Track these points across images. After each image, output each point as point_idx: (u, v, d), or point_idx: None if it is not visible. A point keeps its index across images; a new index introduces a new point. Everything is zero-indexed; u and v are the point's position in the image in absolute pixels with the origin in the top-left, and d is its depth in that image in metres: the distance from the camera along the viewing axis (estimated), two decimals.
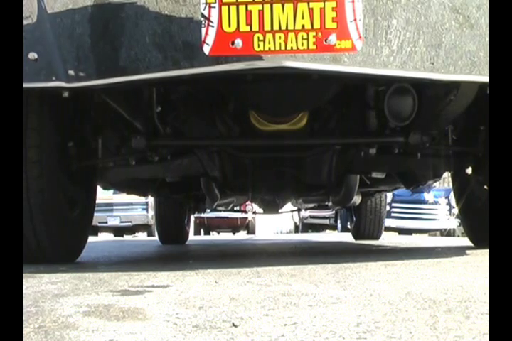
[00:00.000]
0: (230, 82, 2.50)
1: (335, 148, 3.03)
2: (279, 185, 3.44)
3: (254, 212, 8.21)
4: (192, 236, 11.11)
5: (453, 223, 12.68)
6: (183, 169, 3.04)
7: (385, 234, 11.00)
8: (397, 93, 2.55)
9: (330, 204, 4.24)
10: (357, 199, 4.42)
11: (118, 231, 15.97)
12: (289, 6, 1.98)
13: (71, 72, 2.11)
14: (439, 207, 12.64)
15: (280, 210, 5.85)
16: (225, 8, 1.99)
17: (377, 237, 6.17)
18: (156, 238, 6.71)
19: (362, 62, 2.03)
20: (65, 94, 2.25)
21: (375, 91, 2.69)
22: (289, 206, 6.11)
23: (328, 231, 16.81)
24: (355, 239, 6.30)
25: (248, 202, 8.27)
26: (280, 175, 3.33)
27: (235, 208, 17.82)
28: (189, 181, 3.57)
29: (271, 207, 5.25)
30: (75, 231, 2.90)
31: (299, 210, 7.82)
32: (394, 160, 3.05)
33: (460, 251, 3.39)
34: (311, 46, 2.00)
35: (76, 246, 2.97)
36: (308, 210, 16.95)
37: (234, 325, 1.17)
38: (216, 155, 3.03)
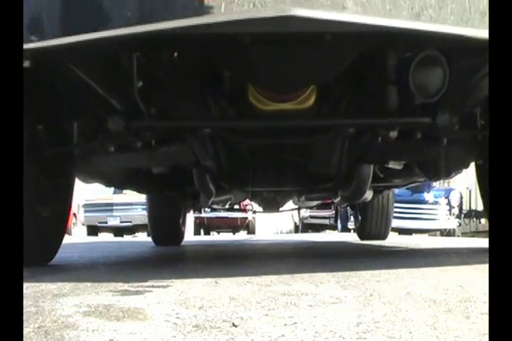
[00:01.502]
0: (223, 48, 2.05)
1: (347, 132, 2.51)
2: (282, 176, 3.05)
3: (254, 211, 7.59)
4: (191, 237, 11.10)
5: (453, 223, 12.68)
6: (170, 157, 2.62)
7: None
8: (425, 62, 2.10)
9: (337, 200, 3.73)
10: (368, 195, 3.86)
11: (118, 231, 15.97)
12: None
13: (25, 31, 1.72)
14: (439, 207, 12.63)
15: (281, 209, 5.51)
16: None
17: (383, 237, 5.79)
18: None
19: (389, 12, 1.69)
20: (26, 64, 1.83)
21: (398, 61, 2.19)
22: (289, 205, 5.86)
23: (328, 231, 16.80)
24: (361, 238, 5.99)
25: (248, 202, 7.97)
26: (283, 165, 2.92)
27: (235, 207, 17.89)
28: (180, 174, 3.22)
29: (271, 205, 4.93)
30: (47, 231, 2.60)
31: (299, 209, 7.29)
32: (416, 146, 2.56)
33: (462, 251, 3.39)
34: None
35: (49, 249, 2.71)
36: (309, 210, 16.97)
37: (234, 325, 1.17)
38: (209, 141, 2.57)
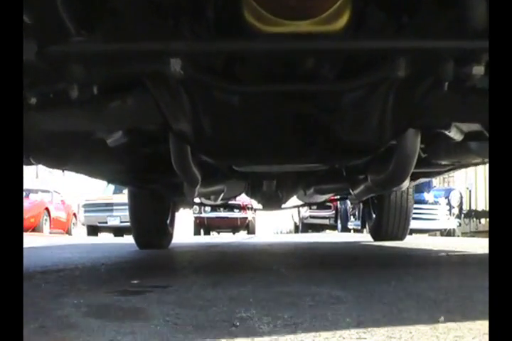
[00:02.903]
0: None
1: (395, 77, 1.65)
2: (295, 146, 2.02)
3: (253, 209, 6.33)
4: (190, 237, 11.09)
5: (453, 223, 12.68)
6: (124, 116, 1.87)
7: None
8: None
9: (358, 191, 2.92)
10: (406, 183, 2.66)
11: (118, 231, 15.95)
12: None
13: None
14: (439, 207, 12.63)
15: (283, 206, 4.69)
16: None
17: (401, 238, 5.07)
18: None
19: None
20: None
21: None
22: (291, 202, 5.04)
23: (328, 231, 16.80)
24: (375, 239, 5.25)
25: (247, 201, 7.40)
26: (296, 127, 1.95)
27: (235, 209, 17.83)
28: (158, 155, 2.46)
29: (272, 201, 4.20)
30: None
31: (305, 205, 6.20)
32: None
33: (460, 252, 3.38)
34: None
35: None
36: (309, 210, 16.98)
37: (234, 325, 1.17)
38: (182, 88, 1.75)
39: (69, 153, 2.30)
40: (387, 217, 4.95)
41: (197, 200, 4.81)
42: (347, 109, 1.89)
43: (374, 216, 5.22)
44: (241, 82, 1.83)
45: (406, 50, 1.64)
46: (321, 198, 4.76)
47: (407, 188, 4.57)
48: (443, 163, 2.68)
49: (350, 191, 3.06)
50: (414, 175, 2.90)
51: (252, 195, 4.35)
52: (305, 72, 1.78)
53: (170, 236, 4.83)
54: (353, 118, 1.92)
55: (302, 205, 5.93)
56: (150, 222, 4.48)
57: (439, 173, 3.40)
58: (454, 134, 2.10)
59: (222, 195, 3.29)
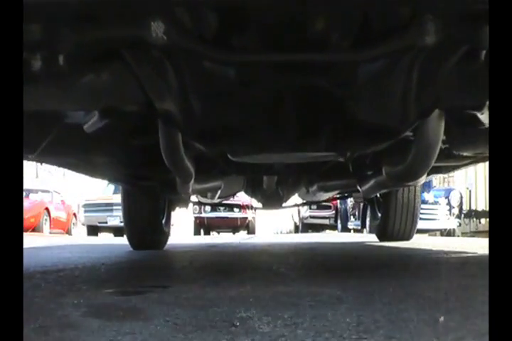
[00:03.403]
0: None
1: (422, 44, 1.39)
2: (305, 129, 1.74)
3: (254, 208, 6.01)
4: (188, 237, 11.09)
5: (453, 223, 12.68)
6: (99, 93, 1.59)
7: None
8: None
9: (367, 187, 2.64)
10: (424, 176, 2.26)
11: (118, 231, 15.94)
12: None
13: None
14: (439, 207, 12.63)
15: (284, 204, 4.56)
16: None
17: (408, 238, 4.87)
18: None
19: None
20: None
21: None
22: (289, 202, 4.87)
23: (328, 231, 16.81)
24: (380, 239, 5.02)
25: (247, 200, 7.19)
26: (306, 106, 1.66)
27: (235, 209, 17.81)
28: (149, 149, 2.12)
29: (273, 200, 4.07)
30: None
31: (305, 204, 5.85)
32: None
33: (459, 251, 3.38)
34: None
35: None
36: (309, 210, 16.98)
37: (234, 325, 1.17)
38: (167, 59, 1.49)
39: (34, 139, 1.96)
40: (394, 216, 4.70)
41: (194, 199, 4.70)
42: (364, 84, 1.57)
43: (379, 215, 4.99)
44: (237, 51, 1.50)
45: (438, 10, 1.33)
46: (324, 196, 4.45)
47: (415, 186, 4.36)
48: (465, 154, 2.30)
49: (358, 188, 2.81)
50: (431, 169, 2.21)
51: (251, 192, 4.16)
52: (314, 39, 1.47)
53: (165, 236, 4.62)
54: (371, 94, 1.61)
55: (304, 204, 5.65)
56: (144, 222, 4.25)
57: (456, 167, 2.98)
58: (485, 117, 1.71)
59: (219, 192, 3.07)
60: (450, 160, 2.51)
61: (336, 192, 4.08)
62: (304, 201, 5.20)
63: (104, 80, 1.56)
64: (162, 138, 1.79)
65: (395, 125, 1.66)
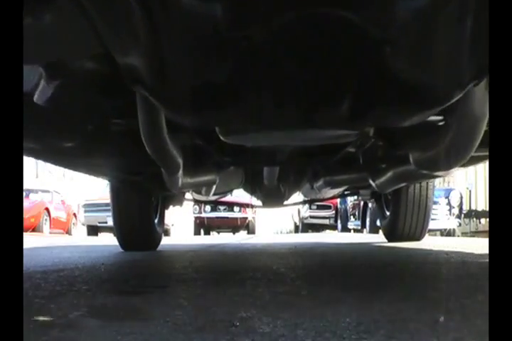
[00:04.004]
0: None
1: None
2: (318, 81, 1.29)
3: (253, 206, 5.46)
4: (187, 238, 11.09)
5: (453, 223, 12.68)
6: (39, 41, 1.21)
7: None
8: None
9: (386, 180, 2.32)
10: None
11: None
12: None
13: None
14: (439, 207, 12.62)
15: (285, 202, 4.28)
16: None
17: (418, 238, 4.54)
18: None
19: None
20: None
21: None
22: (291, 200, 4.59)
23: (328, 231, 16.81)
24: (389, 239, 4.70)
25: (247, 200, 6.76)
26: (319, 49, 1.21)
27: (235, 209, 17.78)
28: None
29: (274, 197, 3.81)
30: None
31: (308, 201, 5.45)
32: None
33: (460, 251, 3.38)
34: None
35: None
36: (309, 210, 16.99)
37: (234, 325, 1.17)
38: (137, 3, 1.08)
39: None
40: (404, 215, 4.33)
41: (189, 196, 4.43)
42: (405, 25, 1.14)
43: (388, 213, 4.60)
44: None
45: None
46: (329, 193, 4.01)
47: (428, 182, 4.10)
48: None
49: (371, 182, 2.51)
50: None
51: (250, 189, 3.91)
52: None
53: (158, 236, 4.35)
54: (414, 40, 1.18)
55: (307, 202, 5.21)
56: (134, 220, 3.96)
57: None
58: None
59: (214, 188, 2.80)
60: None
61: (343, 188, 3.69)
62: (307, 199, 4.75)
63: (47, 24, 1.16)
64: (140, 115, 1.48)
65: (444, 87, 1.27)
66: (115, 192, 3.90)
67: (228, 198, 4.90)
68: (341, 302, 1.42)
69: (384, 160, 2.37)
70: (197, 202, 4.93)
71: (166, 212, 4.53)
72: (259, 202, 4.43)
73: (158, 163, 1.83)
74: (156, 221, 4.22)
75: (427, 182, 4.13)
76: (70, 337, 1.09)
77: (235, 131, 1.67)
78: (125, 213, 3.95)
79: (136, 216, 3.95)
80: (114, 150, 2.21)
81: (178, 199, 4.27)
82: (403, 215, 4.34)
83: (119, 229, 4.08)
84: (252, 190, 3.97)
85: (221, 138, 1.70)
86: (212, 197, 3.84)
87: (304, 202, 5.38)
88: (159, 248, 4.26)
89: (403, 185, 2.98)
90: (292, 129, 1.59)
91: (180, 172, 1.99)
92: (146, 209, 3.98)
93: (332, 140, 1.83)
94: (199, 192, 3.17)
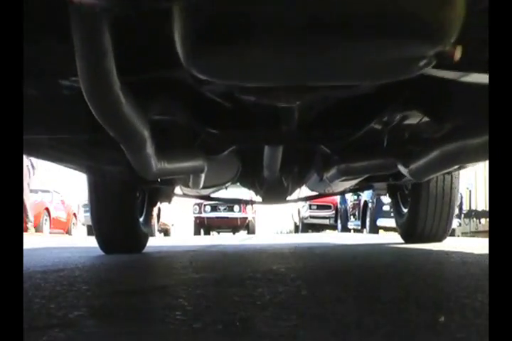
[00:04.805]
0: None
1: None
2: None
3: (252, 202, 4.85)
4: (186, 238, 11.07)
5: (453, 223, 12.70)
6: None
7: (383, 234, 11.02)
8: None
9: (422, 165, 1.89)
10: None
11: None
12: None
13: None
14: None
15: (289, 198, 3.80)
16: None
17: (441, 239, 4.07)
18: (157, 239, 6.55)
19: None
20: None
21: None
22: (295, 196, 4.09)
23: (328, 231, 16.82)
24: (406, 240, 4.25)
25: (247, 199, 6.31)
26: None
27: (235, 209, 17.74)
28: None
29: (275, 192, 3.39)
30: None
31: (315, 197, 4.45)
32: None
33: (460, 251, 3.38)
34: None
35: None
36: (309, 210, 17.00)
37: (234, 324, 1.17)
38: None
39: None
40: (426, 211, 3.82)
41: (178, 192, 3.92)
42: None
43: (405, 210, 4.12)
44: None
45: None
46: (341, 186, 3.37)
47: (452, 175, 3.69)
48: None
49: (401, 169, 2.08)
50: None
51: (247, 182, 3.46)
52: None
53: (144, 237, 3.89)
54: None
55: (313, 197, 4.48)
56: (116, 219, 3.51)
57: None
58: None
59: (202, 177, 2.35)
60: None
61: (358, 180, 3.12)
62: (316, 193, 4.10)
63: None
64: (78, 57, 1.10)
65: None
66: (92, 186, 3.42)
67: (225, 194, 4.22)
68: (341, 302, 1.42)
69: (417, 139, 1.93)
70: (186, 195, 4.19)
71: (161, 210, 4.20)
72: (258, 199, 3.92)
73: (109, 131, 1.40)
74: (141, 219, 3.78)
75: (451, 175, 3.66)
76: (70, 337, 1.09)
77: (210, 67, 1.19)
78: (104, 210, 3.50)
79: (118, 214, 3.50)
80: (77, 128, 1.78)
81: (166, 195, 3.79)
82: (424, 212, 3.83)
83: (98, 230, 3.62)
84: (249, 184, 3.51)
85: (201, 74, 1.22)
86: (203, 192, 3.26)
87: (309, 198, 4.71)
88: (157, 249, 4.24)
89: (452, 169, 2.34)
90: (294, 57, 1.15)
91: (151, 151, 1.61)
92: (129, 205, 3.52)
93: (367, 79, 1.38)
94: (187, 185, 2.68)
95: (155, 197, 3.89)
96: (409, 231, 4.09)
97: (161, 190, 3.61)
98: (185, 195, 4.10)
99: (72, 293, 1.69)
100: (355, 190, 4.22)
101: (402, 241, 4.35)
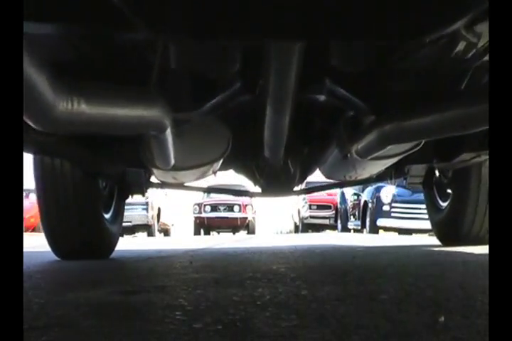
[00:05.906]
0: None
1: None
2: None
3: (252, 194, 3.63)
4: (186, 238, 11.04)
5: None
6: None
7: (383, 234, 11.02)
8: None
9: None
10: None
11: None
12: None
13: None
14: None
15: (295, 189, 2.95)
16: None
17: (487, 241, 3.10)
18: (156, 238, 6.49)
19: None
20: None
21: None
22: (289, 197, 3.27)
23: (328, 231, 16.81)
24: (444, 242, 3.51)
25: (247, 199, 5.70)
26: None
27: (235, 209, 17.73)
28: None
29: (279, 181, 2.57)
30: None
31: (331, 186, 3.52)
32: None
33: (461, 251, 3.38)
34: None
35: None
36: (309, 210, 17.01)
37: (234, 324, 1.17)
38: None
39: None
40: (474, 207, 3.03)
41: (154, 180, 3.01)
42: None
43: (444, 205, 3.31)
44: None
45: None
46: (370, 170, 2.37)
47: None
48: None
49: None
50: None
51: (243, 168, 2.68)
52: None
53: (112, 238, 3.11)
54: None
55: (327, 187, 3.44)
56: (72, 215, 2.74)
57: None
58: None
59: (170, 149, 1.66)
60: None
61: (393, 161, 2.13)
62: (333, 182, 3.09)
63: None
64: None
65: None
66: (40, 171, 2.62)
67: (219, 183, 3.34)
68: (341, 302, 1.42)
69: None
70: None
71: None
72: (258, 190, 3.08)
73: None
74: (107, 216, 3.02)
75: None
76: (70, 337, 1.09)
77: None
78: (57, 204, 2.71)
79: (74, 208, 2.72)
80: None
81: (138, 184, 2.93)
82: (472, 207, 3.04)
83: (50, 230, 2.87)
84: (246, 170, 2.68)
85: None
86: (184, 178, 2.31)
87: (322, 188, 3.54)
88: (163, 247, 4.22)
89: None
90: None
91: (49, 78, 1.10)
92: (90, 197, 2.76)
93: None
94: (154, 165, 1.90)
95: (126, 189, 3.04)
96: (452, 230, 3.29)
97: (132, 178, 2.80)
98: (164, 185, 3.10)
99: (72, 293, 1.69)
100: (380, 179, 3.13)
101: (439, 243, 3.62)
